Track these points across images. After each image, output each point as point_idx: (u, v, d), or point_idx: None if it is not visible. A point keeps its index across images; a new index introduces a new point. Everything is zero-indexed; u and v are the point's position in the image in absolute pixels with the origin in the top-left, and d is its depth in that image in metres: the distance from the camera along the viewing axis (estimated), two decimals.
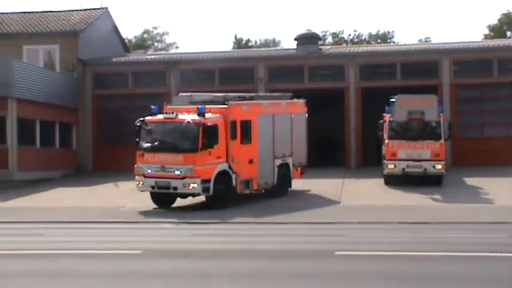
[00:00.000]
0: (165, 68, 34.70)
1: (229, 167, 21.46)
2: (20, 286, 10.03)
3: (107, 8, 38.67)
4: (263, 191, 23.17)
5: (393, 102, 25.29)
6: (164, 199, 21.46)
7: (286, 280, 10.47)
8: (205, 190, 20.75)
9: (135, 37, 65.43)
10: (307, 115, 25.29)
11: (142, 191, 21.13)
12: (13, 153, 27.51)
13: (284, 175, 23.71)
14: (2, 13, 35.22)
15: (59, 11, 37.72)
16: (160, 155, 20.75)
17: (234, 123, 21.82)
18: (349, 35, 60.39)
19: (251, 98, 23.90)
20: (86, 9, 37.75)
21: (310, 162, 25.55)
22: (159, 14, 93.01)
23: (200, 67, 34.34)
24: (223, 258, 12.46)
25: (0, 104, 27.43)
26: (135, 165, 21.05)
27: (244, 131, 22.29)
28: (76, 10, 37.61)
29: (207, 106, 21.36)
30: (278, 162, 23.43)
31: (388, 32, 61.29)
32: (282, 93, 26.29)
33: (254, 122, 22.68)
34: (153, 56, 40.30)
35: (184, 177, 20.43)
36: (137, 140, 21.06)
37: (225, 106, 21.77)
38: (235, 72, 33.83)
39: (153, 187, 20.77)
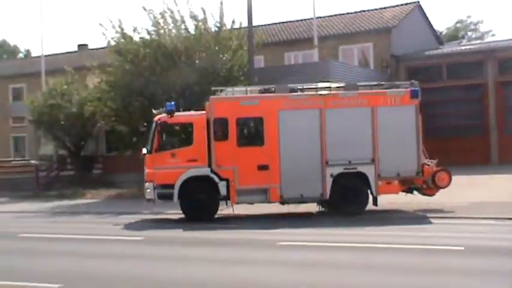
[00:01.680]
0: (481, 57, 33.40)
1: (213, 172, 18.39)
2: (311, 273, 10.46)
3: (418, 1, 38.55)
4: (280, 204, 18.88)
5: None
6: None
7: None
8: (164, 197, 18.30)
9: (447, 28, 64.10)
10: (416, 110, 18.80)
11: None
12: None
13: (352, 188, 18.57)
14: (320, 17, 37.10)
15: (372, 10, 38.59)
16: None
17: (220, 121, 18.51)
18: None
19: (269, 91, 19.32)
20: (397, 5, 38.07)
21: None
22: (471, 3, 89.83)
23: None
24: None
25: None
26: None
27: (245, 131, 19.03)
28: (388, 7, 38.11)
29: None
30: (335, 170, 18.48)
31: None
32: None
33: (271, 119, 18.53)
34: (467, 46, 39.02)
35: (146, 181, 18.53)
36: None
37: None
38: None
39: None
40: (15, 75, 45.10)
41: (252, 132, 19.11)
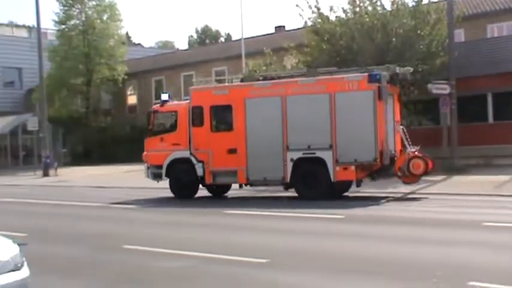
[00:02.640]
0: None
1: (192, 154, 20.54)
2: None
3: None
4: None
5: None
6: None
7: None
8: (156, 176, 21.42)
9: None
10: (375, 95, 18.36)
11: None
12: None
13: (311, 173, 19.02)
14: None
15: None
16: None
17: (197, 109, 20.66)
18: None
19: (257, 79, 21.37)
20: None
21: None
22: None
23: None
24: None
25: None
26: None
27: (217, 117, 20.79)
28: None
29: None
30: (295, 155, 19.18)
31: None
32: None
33: (239, 106, 20.04)
34: None
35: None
36: None
37: None
38: None
39: None
40: (217, 59, 47.26)
41: (223, 119, 20.73)
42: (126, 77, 48.42)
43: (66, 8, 47.57)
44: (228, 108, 20.38)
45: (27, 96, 54.70)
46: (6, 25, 68.95)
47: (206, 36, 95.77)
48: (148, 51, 65.54)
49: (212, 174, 20.49)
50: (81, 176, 34.77)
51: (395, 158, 19.35)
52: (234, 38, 75.81)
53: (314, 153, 19.13)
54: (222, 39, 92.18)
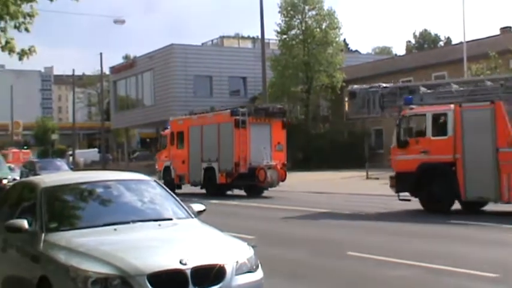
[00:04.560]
0: None
1: (171, 163, 30.60)
2: None
3: None
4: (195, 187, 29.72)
5: None
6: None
7: None
8: (160, 179, 29.29)
9: None
10: (233, 124, 26.97)
11: None
12: None
13: (210, 177, 28.10)
14: None
15: None
16: None
17: (172, 133, 31.02)
18: None
19: (193, 114, 30.70)
20: None
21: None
22: None
23: None
24: None
25: None
26: None
27: (179, 139, 30.41)
28: None
29: None
30: (204, 165, 28.52)
31: None
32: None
33: (186, 132, 29.95)
34: None
35: None
36: None
37: None
38: None
39: None
40: (436, 64, 46.10)
41: (180, 141, 30.26)
42: (344, 84, 48.96)
43: (287, 19, 49.28)
44: (182, 133, 30.20)
45: (250, 104, 57.52)
46: (233, 37, 73.14)
47: (425, 41, 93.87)
48: (365, 58, 65.69)
49: (178, 177, 30.26)
50: (300, 181, 35.71)
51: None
52: (454, 42, 73.47)
53: (211, 164, 28.23)
54: (441, 43, 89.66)
